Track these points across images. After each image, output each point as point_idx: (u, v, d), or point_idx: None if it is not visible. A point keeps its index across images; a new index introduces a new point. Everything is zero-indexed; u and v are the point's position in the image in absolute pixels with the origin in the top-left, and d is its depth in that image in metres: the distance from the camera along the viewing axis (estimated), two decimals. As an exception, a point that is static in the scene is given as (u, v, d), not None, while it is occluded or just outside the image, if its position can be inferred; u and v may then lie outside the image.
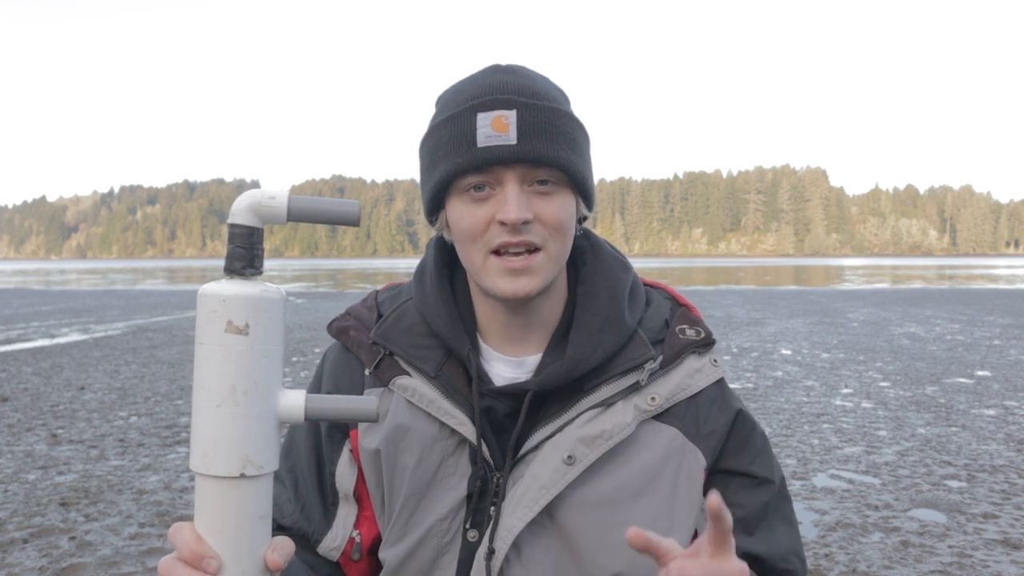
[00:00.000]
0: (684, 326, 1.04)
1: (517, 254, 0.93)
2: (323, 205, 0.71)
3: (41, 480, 4.60)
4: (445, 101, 0.97)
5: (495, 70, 0.96)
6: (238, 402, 0.69)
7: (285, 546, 0.73)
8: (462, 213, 0.94)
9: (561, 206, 0.94)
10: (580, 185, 0.96)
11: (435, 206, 0.98)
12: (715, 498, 0.69)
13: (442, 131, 0.95)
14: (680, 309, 1.07)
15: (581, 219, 1.01)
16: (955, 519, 3.91)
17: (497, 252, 0.93)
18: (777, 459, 1.08)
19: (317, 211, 0.71)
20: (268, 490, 0.72)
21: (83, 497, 4.27)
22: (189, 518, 0.72)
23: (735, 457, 1.02)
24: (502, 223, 0.91)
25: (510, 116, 0.91)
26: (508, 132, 0.90)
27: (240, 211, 0.70)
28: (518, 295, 0.93)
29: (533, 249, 0.93)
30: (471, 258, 0.96)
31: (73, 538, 3.67)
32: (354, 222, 0.71)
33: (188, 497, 4.28)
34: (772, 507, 1.03)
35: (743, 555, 0.99)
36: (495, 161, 0.90)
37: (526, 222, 0.91)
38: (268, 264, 0.74)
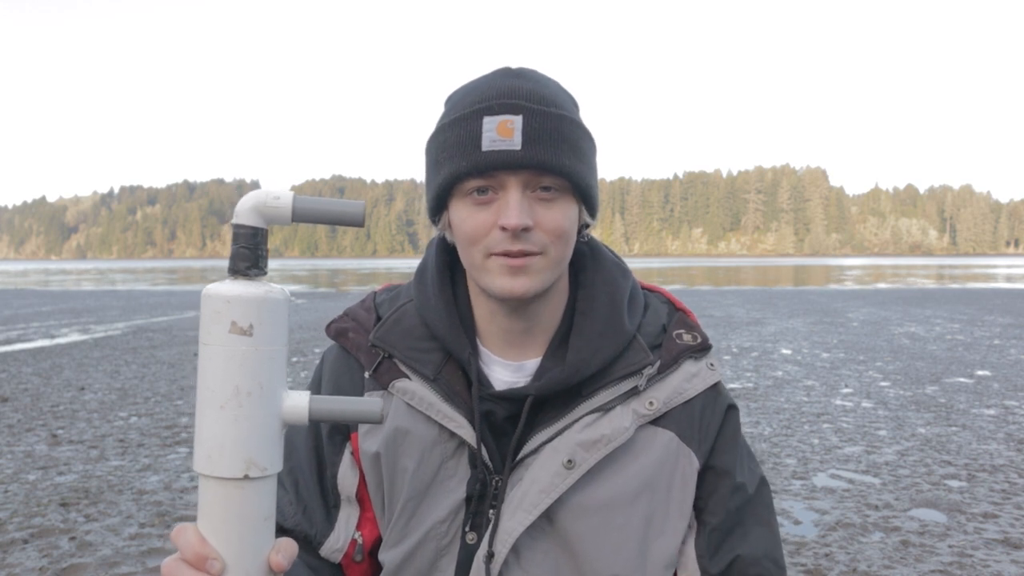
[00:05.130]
0: (681, 331, 1.04)
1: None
2: (327, 206, 0.71)
3: (41, 480, 4.60)
4: (454, 102, 0.97)
5: (505, 73, 0.96)
6: (242, 403, 0.69)
7: (289, 547, 0.73)
8: (464, 216, 0.94)
9: (563, 214, 0.93)
10: (583, 193, 0.95)
11: (438, 206, 0.98)
12: None
13: (448, 132, 0.94)
14: (677, 314, 1.08)
15: (584, 226, 1.01)
16: (955, 519, 3.91)
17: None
18: (758, 462, 1.08)
19: (321, 212, 0.70)
20: (272, 491, 0.72)
21: (83, 497, 4.27)
22: (189, 518, 0.72)
23: (722, 456, 1.02)
24: (503, 228, 0.91)
25: (516, 121, 0.90)
26: (513, 137, 0.90)
27: (244, 212, 0.70)
28: (515, 293, 0.93)
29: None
30: (471, 258, 0.96)
31: (73, 538, 3.67)
32: (358, 223, 0.71)
33: (188, 498, 4.28)
34: (748, 511, 1.02)
35: (719, 562, 0.99)
36: (498, 166, 0.90)
37: (527, 228, 0.91)
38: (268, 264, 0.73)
